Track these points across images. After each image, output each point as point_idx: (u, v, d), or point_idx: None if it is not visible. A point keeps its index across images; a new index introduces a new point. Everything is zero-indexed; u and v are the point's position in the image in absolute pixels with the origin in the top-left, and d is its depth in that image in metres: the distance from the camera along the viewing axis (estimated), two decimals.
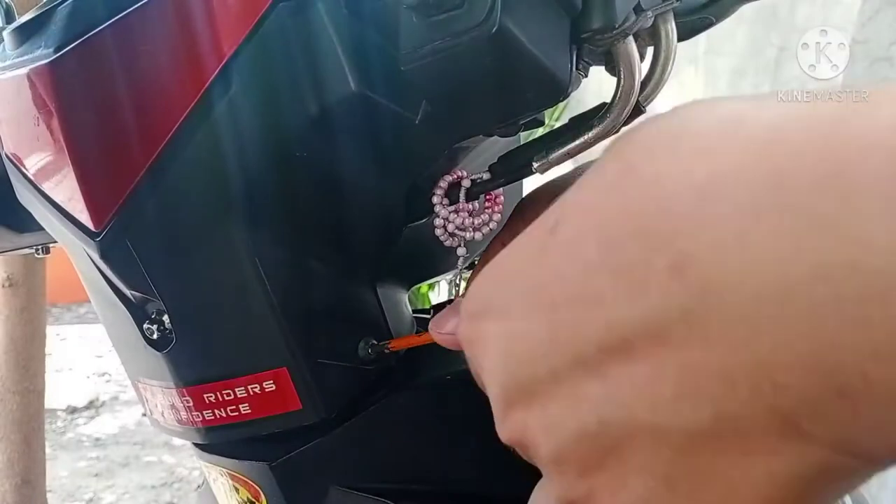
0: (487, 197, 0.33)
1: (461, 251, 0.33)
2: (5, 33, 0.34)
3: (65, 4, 0.30)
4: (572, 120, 0.32)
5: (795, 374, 0.16)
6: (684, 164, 0.18)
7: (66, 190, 0.31)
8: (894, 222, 0.15)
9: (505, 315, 0.22)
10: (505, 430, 0.23)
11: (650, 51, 0.32)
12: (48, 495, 1.79)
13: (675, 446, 0.18)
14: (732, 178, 0.17)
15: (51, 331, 1.85)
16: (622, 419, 0.19)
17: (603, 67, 0.32)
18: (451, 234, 0.33)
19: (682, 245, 0.17)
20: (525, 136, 0.40)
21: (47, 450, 1.76)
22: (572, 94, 0.29)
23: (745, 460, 0.18)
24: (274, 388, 0.32)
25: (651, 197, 0.18)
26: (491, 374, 0.22)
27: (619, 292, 0.18)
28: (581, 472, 0.20)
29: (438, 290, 2.46)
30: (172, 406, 0.35)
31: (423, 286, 1.94)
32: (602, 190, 0.20)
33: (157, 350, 0.34)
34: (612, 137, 0.24)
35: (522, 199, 0.32)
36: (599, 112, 0.30)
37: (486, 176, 0.33)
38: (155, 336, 0.34)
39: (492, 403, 0.23)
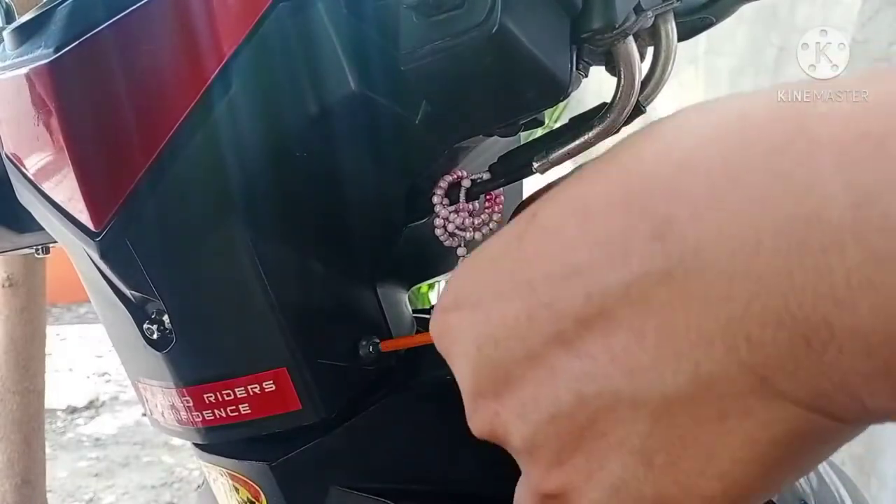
0: (487, 197, 0.33)
1: (461, 251, 0.33)
2: (5, 33, 0.34)
3: (65, 4, 0.30)
4: (572, 120, 0.32)
5: (767, 328, 0.17)
6: (663, 145, 0.19)
7: (66, 190, 0.31)
8: (848, 176, 0.16)
9: (477, 304, 0.22)
10: (476, 420, 0.23)
11: (650, 51, 0.32)
12: (48, 495, 1.79)
13: (653, 416, 0.19)
14: (706, 150, 0.18)
15: (51, 331, 1.85)
16: (599, 391, 0.19)
17: (603, 67, 0.32)
18: (451, 234, 0.33)
19: (663, 211, 0.18)
20: (525, 136, 0.40)
21: (47, 450, 1.76)
22: (572, 94, 0.29)
23: (722, 426, 0.18)
24: (274, 388, 0.32)
25: (632, 172, 0.19)
26: (461, 364, 0.23)
27: (599, 262, 0.19)
28: (556, 457, 0.21)
29: (438, 290, 2.46)
30: (172, 406, 0.35)
31: (423, 286, 1.94)
32: (584, 178, 0.21)
33: (157, 350, 0.34)
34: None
35: (523, 200, 0.32)
36: (599, 112, 0.30)
37: (486, 176, 0.33)
38: (155, 336, 0.34)
39: (463, 396, 0.23)
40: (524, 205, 0.31)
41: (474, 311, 0.22)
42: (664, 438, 0.19)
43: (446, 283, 0.24)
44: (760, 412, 0.18)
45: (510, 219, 0.32)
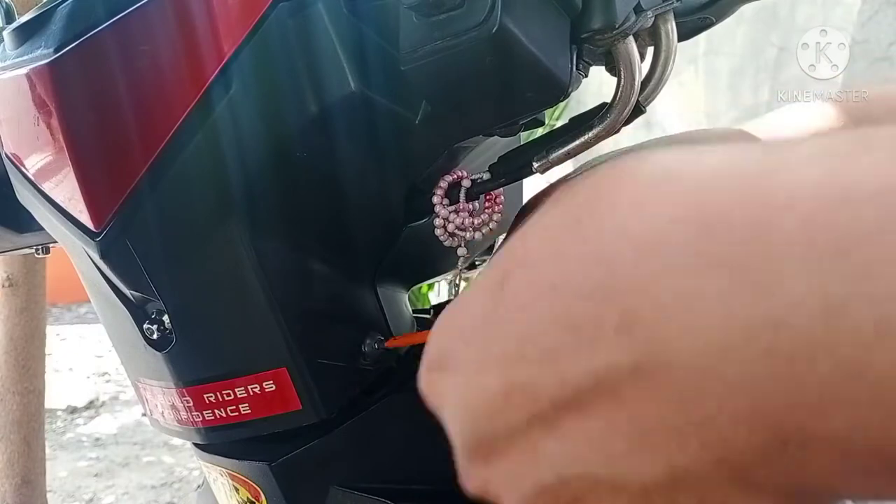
0: (487, 197, 0.33)
1: (461, 251, 0.33)
2: (5, 33, 0.34)
3: (65, 4, 0.30)
4: (572, 120, 0.32)
5: (741, 429, 0.16)
6: (621, 218, 0.19)
7: (66, 190, 0.31)
8: (816, 281, 0.15)
9: (460, 369, 0.22)
10: (469, 482, 0.23)
11: (650, 51, 0.32)
12: (48, 495, 1.79)
13: (633, 499, 0.19)
14: (665, 235, 0.18)
15: (51, 331, 1.85)
16: (579, 474, 0.19)
17: (603, 67, 0.32)
18: (451, 234, 0.33)
19: (627, 303, 0.18)
20: (525, 136, 0.40)
21: (47, 450, 1.76)
22: (572, 94, 0.29)
23: None
24: (274, 388, 0.32)
25: (594, 253, 0.19)
26: (451, 426, 0.23)
27: (571, 348, 0.19)
28: None
29: (438, 290, 2.46)
30: (172, 406, 0.35)
31: (423, 286, 1.94)
32: (547, 244, 0.20)
33: (157, 350, 0.33)
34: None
35: (524, 205, 0.32)
36: (599, 112, 0.30)
37: (486, 176, 0.33)
38: (155, 336, 0.34)
39: (455, 454, 0.23)
40: (526, 211, 0.31)
41: (456, 375, 0.22)
42: None
43: (430, 335, 0.23)
44: (738, 501, 0.18)
45: (512, 226, 0.32)
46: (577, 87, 0.29)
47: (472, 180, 0.33)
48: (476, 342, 0.21)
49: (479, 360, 0.21)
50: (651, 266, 0.17)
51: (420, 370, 0.24)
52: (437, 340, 0.23)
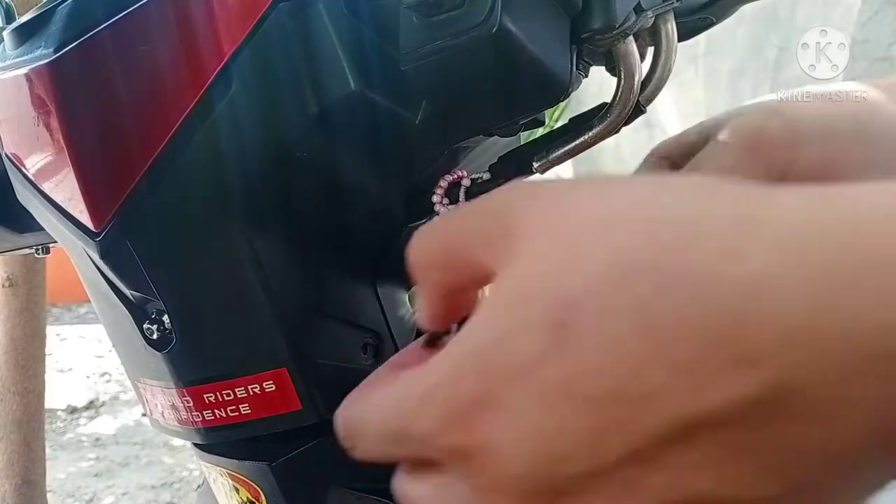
0: None
1: None
2: (5, 33, 0.34)
3: (65, 4, 0.30)
4: (572, 120, 0.32)
5: (865, 442, 0.17)
6: (715, 260, 0.19)
7: (66, 190, 0.31)
8: None
9: (512, 411, 0.20)
10: None
11: (650, 51, 0.32)
12: (48, 495, 1.79)
13: None
14: (781, 274, 0.18)
15: (51, 331, 1.85)
16: (688, 496, 0.19)
17: (603, 67, 0.32)
18: None
19: (746, 343, 0.18)
20: (525, 136, 0.40)
21: (47, 450, 1.76)
22: (572, 94, 0.29)
23: None
24: (274, 388, 0.32)
25: (692, 295, 0.18)
26: (499, 467, 0.21)
27: (679, 387, 0.18)
28: None
29: None
30: (172, 406, 0.35)
31: None
32: (615, 283, 0.19)
33: (157, 350, 0.33)
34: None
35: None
36: (599, 112, 0.30)
37: (486, 176, 0.33)
38: (155, 336, 0.34)
39: (494, 493, 0.21)
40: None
41: (508, 417, 0.20)
42: None
43: (443, 376, 0.21)
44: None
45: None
46: (578, 87, 0.29)
47: (472, 180, 0.33)
48: (532, 384, 0.20)
49: (546, 400, 0.20)
50: (768, 305, 0.18)
51: (439, 420, 0.21)
52: (460, 382, 0.21)
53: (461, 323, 0.25)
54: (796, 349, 0.17)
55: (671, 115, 2.45)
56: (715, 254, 0.19)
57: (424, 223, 0.35)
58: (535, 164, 0.31)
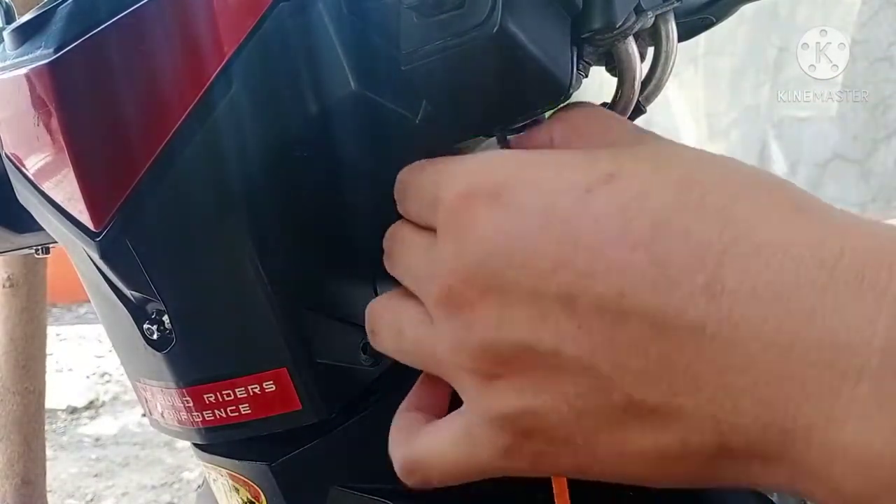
0: None
1: None
2: (5, 33, 0.34)
3: (65, 4, 0.30)
4: None
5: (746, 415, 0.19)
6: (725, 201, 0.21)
7: (66, 190, 0.31)
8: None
9: (516, 213, 0.22)
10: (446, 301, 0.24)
11: (650, 51, 0.32)
12: (48, 495, 1.79)
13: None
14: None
15: (51, 331, 1.85)
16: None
17: (603, 67, 0.32)
18: None
19: (724, 275, 0.19)
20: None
21: (47, 450, 1.76)
22: (572, 94, 0.29)
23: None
24: (274, 388, 0.32)
25: (715, 217, 0.20)
26: (461, 250, 0.23)
27: (647, 273, 0.20)
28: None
29: None
30: (172, 406, 0.35)
31: None
32: (663, 177, 0.21)
33: (157, 350, 0.33)
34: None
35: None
36: None
37: None
38: (155, 336, 0.34)
39: (435, 272, 0.24)
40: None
41: (508, 216, 0.23)
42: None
43: (482, 163, 0.25)
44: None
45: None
46: (578, 88, 0.29)
47: None
48: (540, 211, 0.22)
49: (542, 229, 0.22)
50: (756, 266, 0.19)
51: (451, 182, 0.24)
52: (493, 172, 0.24)
53: None
54: (749, 306, 0.19)
55: (671, 115, 2.45)
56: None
57: None
58: None
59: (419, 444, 0.26)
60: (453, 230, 0.24)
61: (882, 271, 0.18)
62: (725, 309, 0.19)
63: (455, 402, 0.26)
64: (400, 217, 0.30)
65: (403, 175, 0.28)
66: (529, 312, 0.22)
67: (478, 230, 0.23)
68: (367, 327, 0.29)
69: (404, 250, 0.27)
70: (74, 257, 0.36)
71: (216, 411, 0.33)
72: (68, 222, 0.32)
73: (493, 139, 0.35)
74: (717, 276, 0.19)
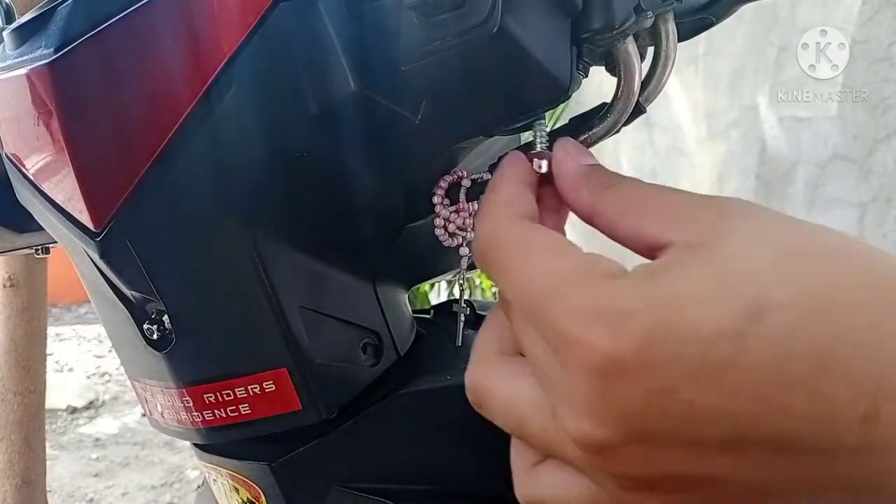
0: None
1: (463, 251, 0.33)
2: (5, 33, 0.34)
3: (65, 4, 0.30)
4: (572, 120, 0.32)
5: None
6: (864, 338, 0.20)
7: (66, 190, 0.31)
8: None
9: (671, 381, 0.21)
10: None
11: (650, 51, 0.32)
12: (48, 495, 1.79)
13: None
14: None
15: (51, 331, 1.85)
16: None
17: (603, 67, 0.32)
18: (452, 235, 0.33)
19: (880, 403, 0.20)
20: (525, 137, 0.40)
21: (47, 450, 1.76)
22: (572, 94, 0.29)
23: None
24: (274, 388, 0.32)
25: (867, 341, 0.20)
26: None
27: (809, 411, 0.20)
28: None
29: (438, 291, 2.46)
30: (172, 406, 0.35)
31: (423, 286, 1.94)
32: (811, 302, 0.21)
33: (157, 350, 0.33)
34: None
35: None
36: (599, 112, 0.30)
37: (486, 176, 0.32)
38: (155, 336, 0.34)
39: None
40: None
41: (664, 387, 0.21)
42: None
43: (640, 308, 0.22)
44: None
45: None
46: (578, 88, 0.29)
47: (472, 180, 0.33)
48: (697, 361, 0.21)
49: (699, 381, 0.21)
50: None
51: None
52: (635, 318, 0.22)
53: None
54: None
55: (671, 115, 2.45)
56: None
57: (424, 223, 0.35)
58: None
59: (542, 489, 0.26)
60: (607, 385, 0.22)
61: None
62: (881, 437, 0.20)
63: None
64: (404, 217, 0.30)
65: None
66: (685, 453, 0.22)
67: (633, 386, 0.21)
68: (471, 400, 0.26)
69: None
70: (74, 257, 0.36)
71: (216, 411, 0.33)
72: (68, 222, 0.32)
73: (493, 139, 0.35)
74: (874, 406, 0.20)
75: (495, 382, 0.26)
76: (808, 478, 0.21)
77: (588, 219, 0.26)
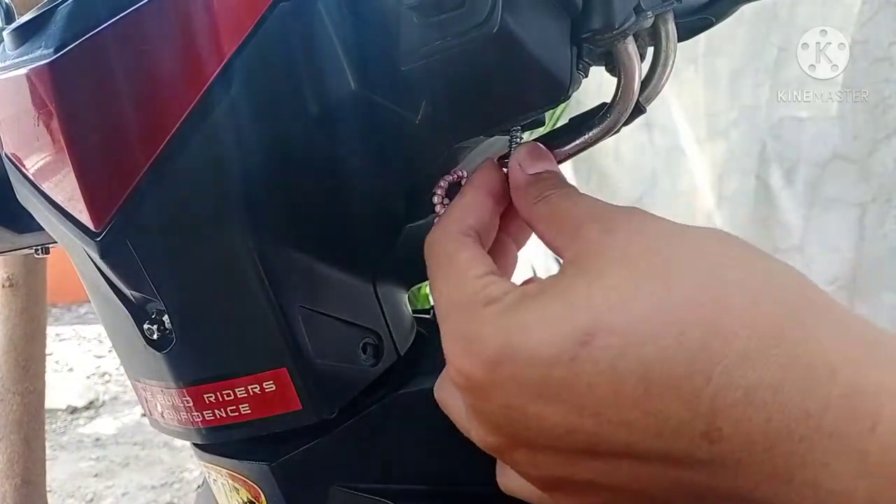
0: None
1: None
2: (5, 33, 0.34)
3: (65, 4, 0.30)
4: (572, 120, 0.32)
5: None
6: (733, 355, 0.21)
7: (66, 190, 0.31)
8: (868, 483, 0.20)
9: (523, 391, 0.24)
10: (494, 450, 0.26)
11: (650, 51, 0.32)
12: (48, 495, 1.79)
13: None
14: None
15: (51, 331, 1.85)
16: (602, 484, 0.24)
17: (603, 67, 0.32)
18: None
19: (719, 423, 0.21)
20: (525, 137, 0.40)
21: (47, 450, 1.76)
22: (572, 94, 0.29)
23: None
24: (274, 388, 0.32)
25: (697, 362, 0.21)
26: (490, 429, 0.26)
27: (650, 427, 0.22)
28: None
29: None
30: (172, 406, 0.35)
31: (424, 286, 1.94)
32: (640, 325, 0.22)
33: (157, 350, 0.33)
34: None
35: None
36: (599, 112, 0.30)
37: None
38: (155, 336, 0.34)
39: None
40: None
41: (522, 399, 0.24)
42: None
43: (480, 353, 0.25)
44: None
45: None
46: (578, 88, 0.29)
47: None
48: (547, 376, 0.23)
49: (547, 391, 0.23)
50: (746, 406, 0.21)
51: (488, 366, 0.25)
52: (484, 346, 0.24)
53: None
54: (754, 440, 0.21)
55: (671, 115, 2.45)
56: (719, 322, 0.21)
57: (424, 223, 0.35)
58: None
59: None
60: (475, 402, 0.26)
61: (864, 430, 0.19)
62: (727, 451, 0.21)
63: None
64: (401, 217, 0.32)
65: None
66: (558, 458, 0.24)
67: (491, 403, 0.24)
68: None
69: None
70: (74, 257, 0.36)
71: (216, 411, 0.33)
72: (68, 222, 0.32)
73: (493, 139, 0.35)
74: (714, 425, 0.21)
75: (444, 395, 0.30)
76: (682, 484, 0.22)
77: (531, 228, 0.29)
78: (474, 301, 0.25)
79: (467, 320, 0.25)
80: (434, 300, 0.28)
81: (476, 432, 0.26)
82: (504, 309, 0.25)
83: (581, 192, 0.28)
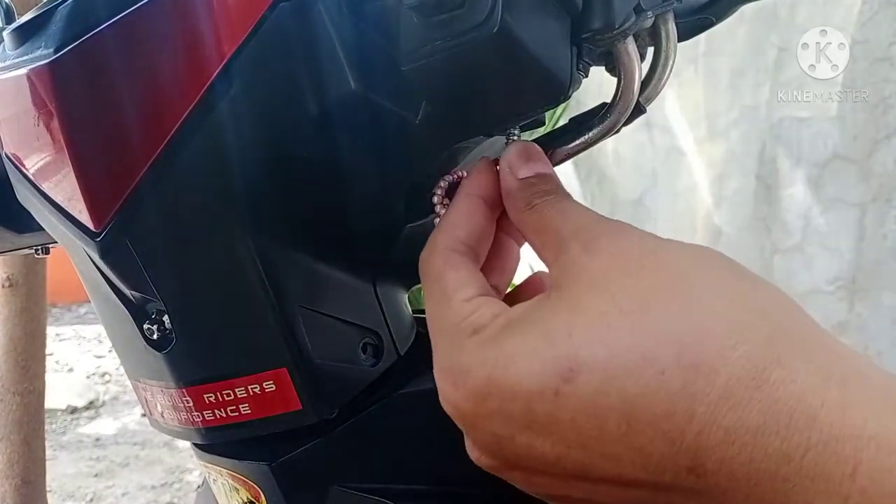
0: None
1: None
2: (5, 33, 0.34)
3: (65, 4, 0.30)
4: (572, 120, 0.32)
5: None
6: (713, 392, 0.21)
7: (66, 190, 0.31)
8: None
9: (509, 425, 0.24)
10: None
11: (650, 51, 0.32)
12: (48, 495, 1.79)
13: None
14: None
15: (51, 331, 1.85)
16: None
17: (603, 67, 0.32)
18: None
19: (703, 459, 0.21)
20: (525, 137, 0.40)
21: (47, 450, 1.76)
22: (572, 94, 0.29)
23: None
24: (274, 388, 0.32)
25: (679, 400, 0.21)
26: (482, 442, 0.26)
27: (635, 462, 0.22)
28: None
29: None
30: (172, 406, 0.35)
31: None
32: (619, 359, 0.22)
33: (157, 350, 0.33)
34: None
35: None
36: (599, 112, 0.30)
37: None
38: (155, 336, 0.34)
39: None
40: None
41: (511, 430, 0.24)
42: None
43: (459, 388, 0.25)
44: None
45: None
46: (578, 88, 0.29)
47: None
48: (531, 407, 0.23)
49: (534, 421, 0.23)
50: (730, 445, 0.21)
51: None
52: (470, 378, 0.25)
53: None
54: (737, 476, 0.21)
55: (671, 115, 2.45)
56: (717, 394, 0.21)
57: (424, 223, 0.35)
58: None
59: None
60: (466, 429, 0.26)
61: (845, 475, 0.19)
62: (713, 484, 0.21)
63: None
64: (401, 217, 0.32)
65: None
66: (552, 480, 0.24)
67: (481, 432, 0.25)
68: None
69: None
70: (74, 257, 0.36)
71: (216, 411, 0.33)
72: (68, 222, 0.32)
73: (493, 139, 0.35)
74: (698, 461, 0.21)
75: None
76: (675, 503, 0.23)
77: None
78: (460, 329, 0.26)
79: (454, 351, 0.26)
80: (427, 321, 0.28)
81: (472, 453, 0.27)
82: (488, 339, 0.25)
83: (571, 198, 0.28)
